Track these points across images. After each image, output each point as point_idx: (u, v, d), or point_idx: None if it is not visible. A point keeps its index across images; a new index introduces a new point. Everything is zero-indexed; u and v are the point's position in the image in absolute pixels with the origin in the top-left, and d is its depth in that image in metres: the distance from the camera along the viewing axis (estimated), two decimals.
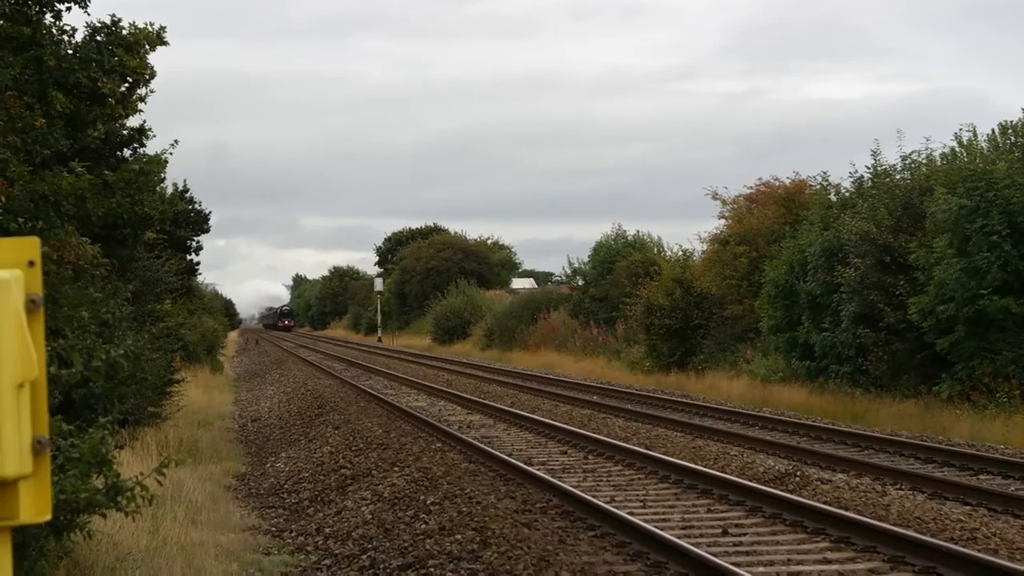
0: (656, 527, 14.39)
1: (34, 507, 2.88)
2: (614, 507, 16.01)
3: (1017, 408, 26.85)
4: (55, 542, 9.10)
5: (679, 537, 13.93)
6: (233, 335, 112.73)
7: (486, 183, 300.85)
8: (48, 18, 14.17)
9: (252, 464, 25.42)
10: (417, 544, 14.47)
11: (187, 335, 40.76)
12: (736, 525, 15.29)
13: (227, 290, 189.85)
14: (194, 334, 46.83)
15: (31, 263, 2.89)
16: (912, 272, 31.42)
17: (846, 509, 15.45)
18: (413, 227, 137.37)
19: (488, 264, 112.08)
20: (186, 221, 46.39)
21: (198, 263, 54.38)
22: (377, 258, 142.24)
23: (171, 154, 17.64)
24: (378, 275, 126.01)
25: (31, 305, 2.87)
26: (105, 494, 7.48)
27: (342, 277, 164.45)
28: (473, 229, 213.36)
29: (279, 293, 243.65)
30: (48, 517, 2.97)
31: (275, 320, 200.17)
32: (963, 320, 29.07)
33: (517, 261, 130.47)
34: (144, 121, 17.92)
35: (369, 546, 15.06)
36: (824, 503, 15.96)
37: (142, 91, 16.72)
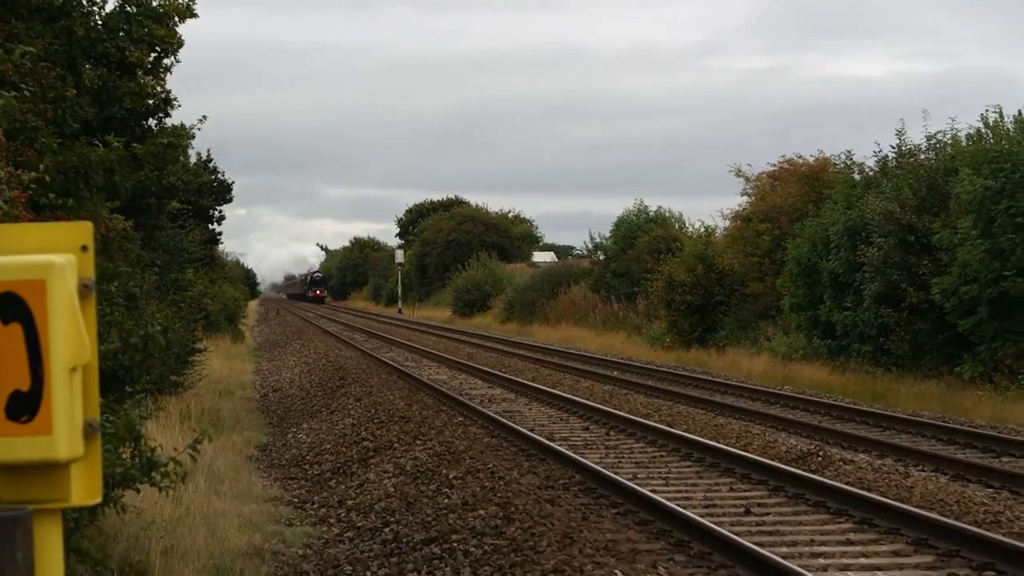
0: (679, 505, 14.40)
1: (85, 490, 2.90)
2: (637, 484, 16.02)
3: None
4: (89, 517, 9.15)
5: (702, 516, 13.94)
6: (253, 305, 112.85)
7: (508, 156, 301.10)
8: None
9: (274, 435, 25.51)
10: (440, 518, 14.51)
11: (209, 304, 40.84)
12: (759, 504, 15.30)
13: (249, 256, 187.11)
14: (216, 303, 46.91)
15: (84, 248, 2.90)
16: (935, 252, 31.35)
17: (869, 490, 15.44)
18: (435, 199, 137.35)
19: (509, 237, 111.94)
20: (209, 191, 46.44)
21: (220, 233, 54.48)
22: (398, 230, 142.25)
23: (199, 129, 17.68)
24: (399, 247, 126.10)
25: (84, 290, 2.88)
26: (140, 469, 7.52)
27: (363, 248, 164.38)
28: (494, 202, 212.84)
29: (307, 256, 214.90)
30: (99, 500, 2.99)
31: (303, 289, 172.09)
32: (986, 301, 29.00)
33: (538, 235, 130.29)
34: (170, 91, 17.91)
35: (392, 519, 15.12)
36: (847, 483, 15.95)
37: (168, 61, 16.74)
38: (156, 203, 21.91)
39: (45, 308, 2.76)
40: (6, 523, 2.67)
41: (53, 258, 2.79)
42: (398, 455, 19.74)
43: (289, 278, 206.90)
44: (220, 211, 52.32)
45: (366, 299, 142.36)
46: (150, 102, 20.67)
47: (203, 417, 23.92)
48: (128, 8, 14.17)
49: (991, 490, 16.44)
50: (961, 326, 29.93)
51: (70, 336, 2.80)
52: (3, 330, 2.76)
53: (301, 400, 31.22)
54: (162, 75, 16.04)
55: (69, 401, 2.79)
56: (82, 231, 2.91)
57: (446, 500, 15.55)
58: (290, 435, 25.09)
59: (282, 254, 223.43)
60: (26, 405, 2.75)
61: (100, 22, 13.98)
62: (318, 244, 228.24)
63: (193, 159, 38.65)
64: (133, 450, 7.63)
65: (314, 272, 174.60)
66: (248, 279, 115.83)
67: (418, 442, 20.67)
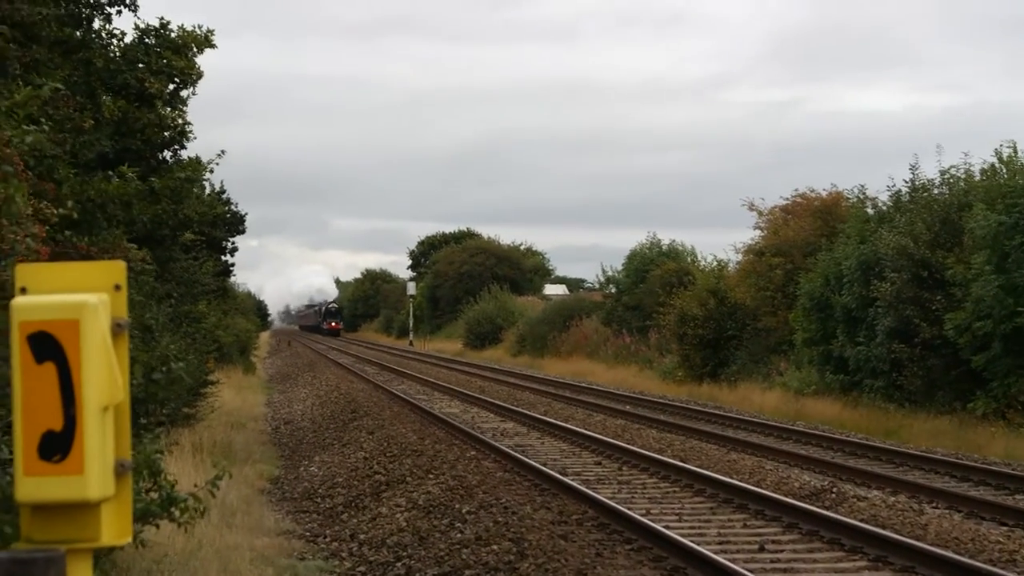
0: (693, 542, 14.36)
1: (115, 529, 2.90)
2: (650, 520, 15.99)
3: None
4: (107, 552, 9.14)
5: (716, 552, 13.90)
6: (264, 336, 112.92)
7: (520, 188, 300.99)
8: (97, 22, 14.26)
9: (285, 467, 25.48)
10: (453, 553, 14.48)
11: (222, 336, 40.87)
12: (773, 541, 15.25)
13: (257, 282, 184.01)
14: (228, 335, 46.96)
15: (117, 287, 2.91)
16: (949, 288, 31.29)
17: (883, 527, 15.40)
18: (446, 231, 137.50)
19: (521, 270, 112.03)
20: (223, 222, 46.52)
21: (233, 264, 54.54)
22: (410, 261, 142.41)
23: (217, 164, 17.70)
24: (411, 279, 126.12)
25: (117, 329, 2.89)
26: (160, 504, 7.52)
27: (374, 280, 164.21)
28: (506, 234, 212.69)
29: (324, 285, 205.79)
30: (129, 539, 2.99)
31: (318, 320, 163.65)
32: (1000, 337, 28.93)
33: (550, 267, 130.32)
34: (188, 122, 17.95)
35: (404, 554, 15.08)
36: (861, 520, 15.91)
37: (186, 92, 16.80)
38: (171, 234, 21.96)
39: (79, 348, 2.77)
40: (40, 564, 2.67)
41: (87, 297, 2.80)
42: (410, 489, 19.71)
43: (301, 309, 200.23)
44: (233, 242, 52.42)
45: (377, 331, 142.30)
46: (166, 134, 20.76)
47: (215, 449, 23.88)
48: (147, 40, 14.24)
49: (1005, 528, 16.38)
50: (974, 362, 29.85)
51: (103, 376, 2.80)
52: (37, 369, 2.76)
53: (313, 433, 31.19)
54: (181, 106, 16.11)
55: (101, 441, 2.80)
56: (115, 270, 2.92)
57: (459, 535, 15.52)
58: (302, 468, 25.06)
59: (294, 283, 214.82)
60: (59, 445, 2.76)
61: (119, 53, 14.04)
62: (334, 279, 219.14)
63: (207, 190, 38.75)
64: (153, 485, 7.63)
65: (329, 303, 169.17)
66: (259, 310, 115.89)
67: (431, 476, 20.64)
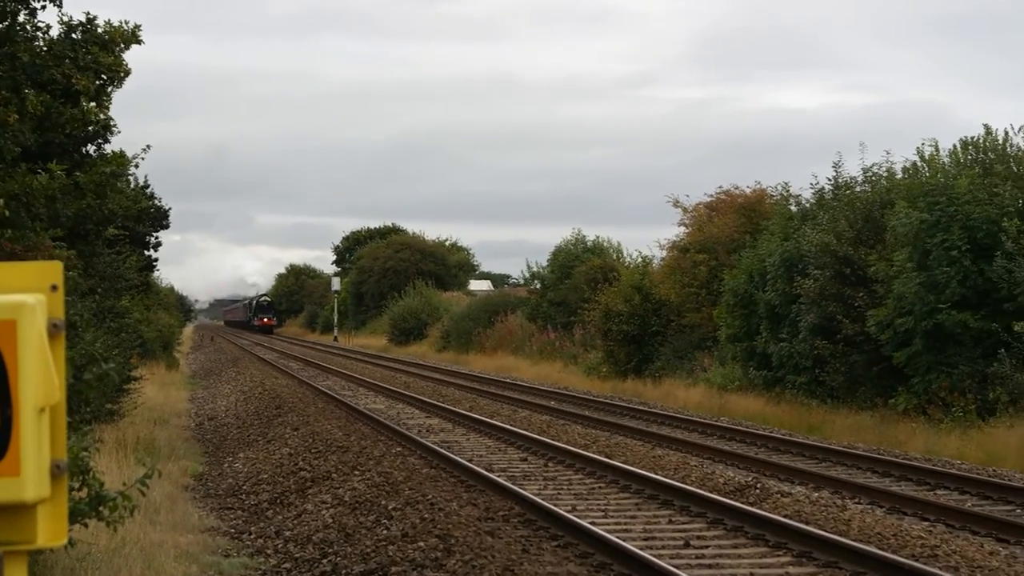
0: (619, 538, 14.42)
1: (51, 531, 2.88)
2: (576, 516, 16.04)
3: (972, 423, 26.99)
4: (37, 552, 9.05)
5: (642, 548, 13.97)
6: (188, 331, 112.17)
7: (445, 184, 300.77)
8: (22, 16, 14.11)
9: (210, 464, 25.34)
10: (379, 550, 14.45)
11: (145, 331, 40.59)
12: (698, 537, 15.34)
13: (183, 275, 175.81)
14: (151, 330, 46.64)
15: (54, 287, 2.89)
16: (871, 285, 31.57)
17: (807, 523, 15.51)
18: (371, 226, 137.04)
19: (446, 265, 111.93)
20: (147, 217, 46.14)
21: (156, 259, 54.13)
22: (335, 257, 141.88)
23: (143, 158, 17.57)
24: (335, 274, 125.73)
25: (53, 329, 2.87)
26: (88, 503, 7.46)
27: (298, 275, 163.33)
28: (431, 230, 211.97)
29: (254, 278, 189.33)
30: (64, 541, 2.97)
31: (247, 315, 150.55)
32: (921, 334, 29.23)
33: (475, 263, 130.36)
34: (111, 117, 17.77)
35: (330, 551, 15.04)
36: (785, 516, 16.03)
37: (112, 88, 16.65)
38: (95, 230, 21.77)
39: (15, 349, 2.75)
40: None
41: (24, 298, 2.78)
42: (336, 485, 19.66)
43: (227, 302, 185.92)
44: (156, 237, 51.99)
45: (301, 326, 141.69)
46: (90, 128, 20.57)
47: (139, 446, 23.74)
48: (74, 35, 14.11)
49: (927, 523, 16.56)
50: (896, 358, 30.14)
51: (39, 377, 2.79)
52: None
53: (237, 429, 31.05)
54: (106, 102, 15.97)
55: (37, 442, 2.78)
56: (52, 271, 2.90)
57: (385, 531, 15.50)
58: (226, 464, 24.94)
59: (220, 272, 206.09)
60: None
61: (45, 48, 13.91)
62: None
63: (132, 185, 38.44)
64: (81, 484, 7.57)
65: (261, 296, 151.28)
66: (183, 305, 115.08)
67: (356, 472, 20.60)
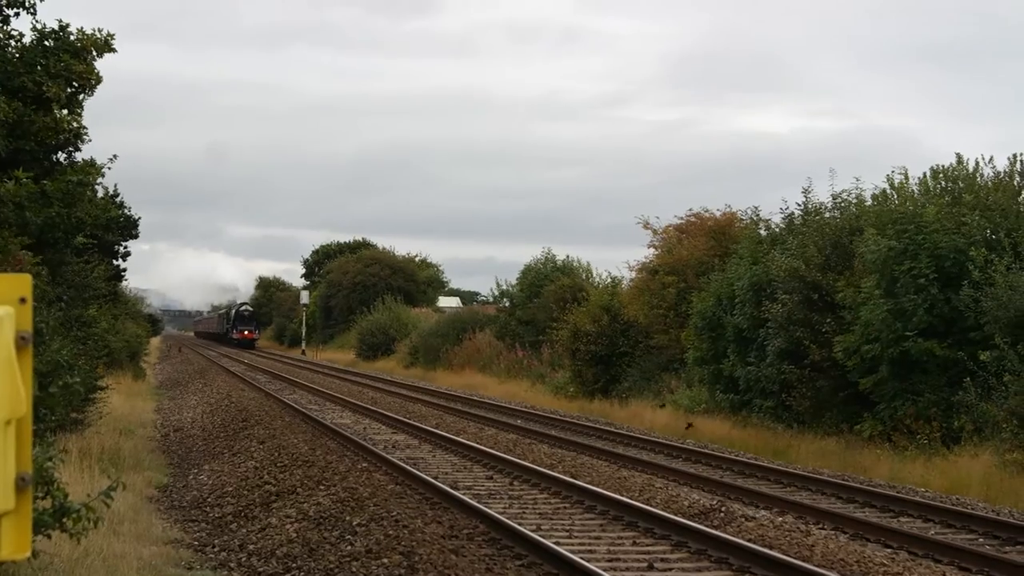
0: (583, 558, 14.42)
1: (15, 543, 2.87)
2: (541, 536, 16.03)
3: (937, 450, 27.07)
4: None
5: (606, 570, 13.98)
6: (155, 342, 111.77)
7: (416, 199, 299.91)
8: None
9: (175, 475, 25.26)
10: (343, 566, 14.43)
11: (112, 341, 40.46)
12: (661, 559, 15.35)
13: (161, 280, 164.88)
14: (118, 340, 46.48)
15: (22, 300, 2.89)
16: (839, 311, 31.66)
17: (771, 548, 15.53)
18: (341, 240, 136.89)
19: (415, 281, 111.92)
20: (116, 226, 46.02)
21: (124, 269, 54.01)
22: (304, 270, 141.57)
23: (109, 167, 17.53)
24: (304, 287, 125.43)
25: (21, 342, 2.87)
26: (52, 515, 7.42)
27: (268, 287, 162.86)
28: (401, 245, 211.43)
29: (234, 282, 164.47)
30: (28, 553, 2.96)
31: (223, 327, 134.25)
32: (887, 361, 29.33)
33: (444, 279, 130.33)
34: (83, 125, 17.70)
35: (293, 565, 15.00)
36: (749, 540, 16.04)
37: (83, 96, 16.62)
38: (63, 238, 21.70)
39: None
40: None
41: None
42: (301, 500, 19.61)
43: (215, 309, 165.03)
44: (125, 246, 51.89)
45: (269, 339, 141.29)
46: (61, 136, 20.54)
47: (104, 456, 23.64)
48: (46, 42, 14.07)
49: (890, 550, 16.60)
50: (862, 384, 30.24)
51: (6, 389, 2.78)
52: None
53: (203, 441, 30.95)
54: (77, 110, 15.93)
55: (2, 455, 2.77)
56: (21, 283, 2.90)
57: (349, 547, 15.46)
58: (191, 476, 24.86)
59: (194, 275, 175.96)
60: None
61: (16, 55, 13.86)
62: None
63: (100, 193, 38.34)
64: (45, 495, 7.53)
65: (240, 305, 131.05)
66: (151, 316, 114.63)
67: (321, 487, 20.55)
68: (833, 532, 18.00)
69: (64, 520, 7.56)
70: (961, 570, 15.34)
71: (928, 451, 27.20)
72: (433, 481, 21.26)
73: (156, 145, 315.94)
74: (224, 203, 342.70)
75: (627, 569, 14.66)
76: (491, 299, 77.66)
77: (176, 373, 68.44)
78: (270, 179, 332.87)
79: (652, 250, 49.01)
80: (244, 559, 16.04)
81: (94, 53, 14.78)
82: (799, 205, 38.20)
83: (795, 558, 14.77)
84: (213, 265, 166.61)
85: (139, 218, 51.59)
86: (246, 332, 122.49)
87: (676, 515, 18.02)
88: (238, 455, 26.79)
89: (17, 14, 14.18)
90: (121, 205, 48.14)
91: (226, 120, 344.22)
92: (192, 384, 56.21)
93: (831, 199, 36.57)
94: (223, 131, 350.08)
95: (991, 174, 32.81)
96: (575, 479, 22.00)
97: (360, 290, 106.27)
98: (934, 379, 28.92)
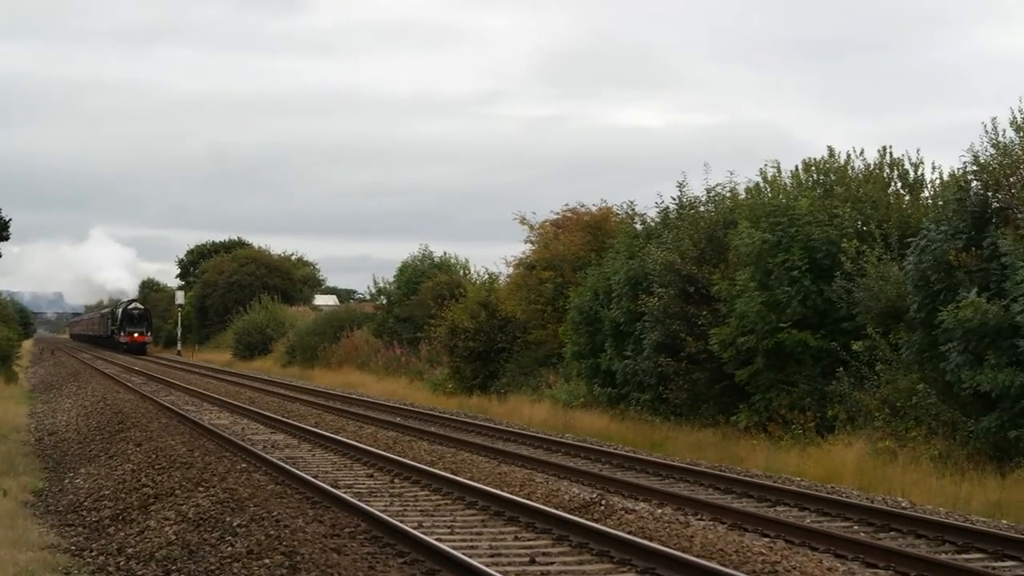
0: (465, 554, 14.46)
1: None
2: (423, 533, 16.06)
3: (811, 440, 27.44)
4: None
5: (488, 565, 14.03)
6: (28, 345, 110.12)
7: (289, 198, 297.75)
8: None
9: (50, 480, 24.94)
10: (224, 567, 14.34)
11: None
12: (543, 554, 15.42)
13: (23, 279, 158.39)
14: None
15: None
16: (714, 303, 31.96)
17: (651, 539, 15.67)
18: (217, 240, 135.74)
19: (291, 280, 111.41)
20: None
21: None
22: (179, 271, 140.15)
23: None
24: (179, 288, 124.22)
25: None
26: None
27: (142, 288, 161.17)
28: (277, 244, 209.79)
29: (119, 281, 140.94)
30: None
31: (107, 328, 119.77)
32: (762, 352, 29.67)
33: (321, 278, 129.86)
34: None
35: (173, 568, 14.88)
36: (629, 533, 16.18)
37: None
38: None
39: None
40: None
41: None
42: (180, 502, 19.45)
43: (95, 308, 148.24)
44: None
45: None
46: None
47: None
48: None
49: (767, 539, 16.81)
50: (738, 376, 30.56)
51: None
52: None
53: (79, 444, 30.57)
54: None
55: None
56: None
57: (230, 548, 15.37)
58: (67, 480, 24.56)
59: (77, 276, 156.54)
60: None
61: None
62: None
63: None
64: None
65: (129, 303, 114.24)
66: (23, 318, 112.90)
67: (200, 489, 20.39)
68: (712, 523, 18.19)
69: None
70: (837, 557, 15.57)
71: (803, 441, 27.57)
72: (313, 480, 21.20)
73: (27, 146, 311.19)
74: (92, 204, 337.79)
75: (509, 564, 14.71)
76: (368, 297, 77.59)
77: (49, 376, 67.50)
78: (142, 179, 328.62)
79: (529, 245, 49.24)
80: (123, 563, 15.88)
81: None
82: (674, 199, 38.51)
83: (675, 549, 14.91)
84: (98, 264, 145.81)
85: (9, 220, 50.83)
86: (136, 335, 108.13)
87: (557, 509, 18.11)
88: (115, 458, 26.50)
89: None
90: None
91: (92, 118, 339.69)
92: (66, 387, 55.47)
93: (705, 193, 36.92)
94: (89, 130, 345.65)
95: (862, 166, 33.33)
96: (456, 475, 22.04)
97: (236, 290, 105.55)
98: (808, 369, 29.33)
